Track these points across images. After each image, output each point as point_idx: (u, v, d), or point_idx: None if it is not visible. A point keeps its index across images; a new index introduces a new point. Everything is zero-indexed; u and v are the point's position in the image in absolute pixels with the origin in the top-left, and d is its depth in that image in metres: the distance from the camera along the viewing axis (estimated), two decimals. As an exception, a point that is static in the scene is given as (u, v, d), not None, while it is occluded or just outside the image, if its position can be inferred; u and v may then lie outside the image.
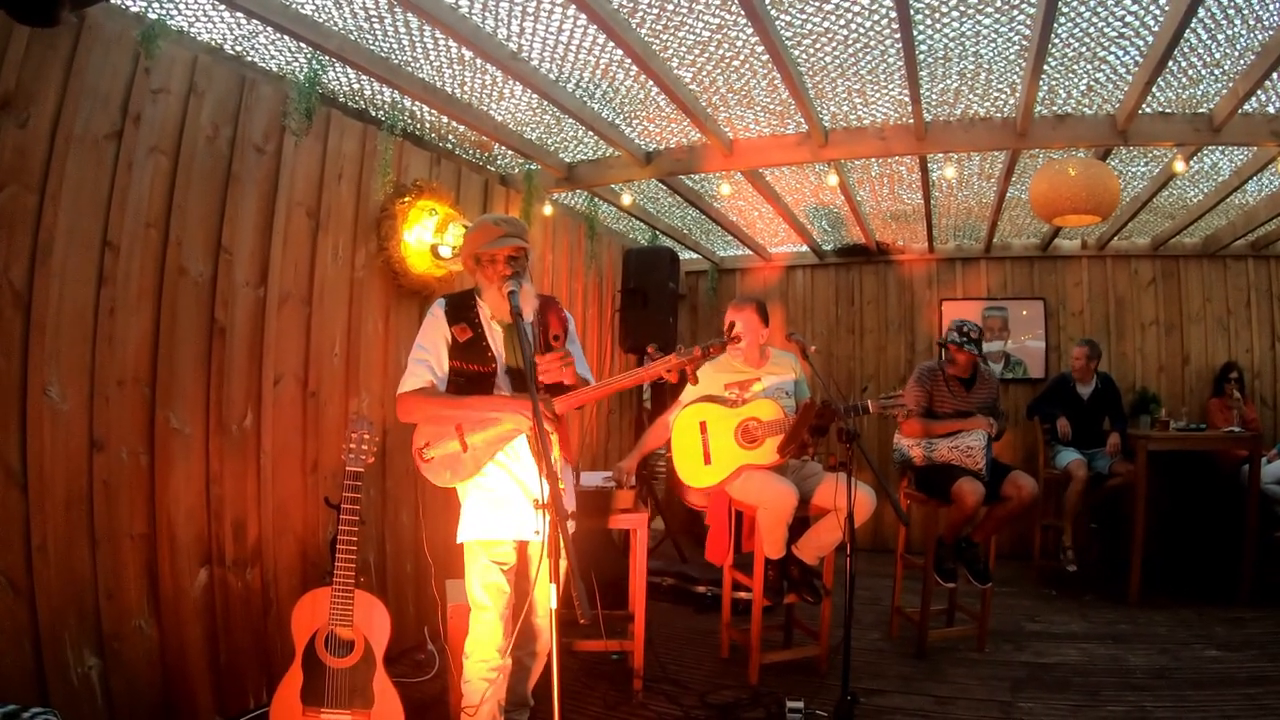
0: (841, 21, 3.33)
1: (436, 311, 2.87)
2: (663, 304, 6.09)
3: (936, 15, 3.24)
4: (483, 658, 2.77)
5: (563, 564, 2.14)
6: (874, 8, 3.20)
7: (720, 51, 3.64)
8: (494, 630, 2.77)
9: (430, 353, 2.80)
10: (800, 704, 3.39)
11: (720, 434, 3.88)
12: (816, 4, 3.19)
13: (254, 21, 3.14)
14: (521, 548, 2.89)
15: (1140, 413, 6.23)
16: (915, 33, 3.28)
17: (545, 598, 2.49)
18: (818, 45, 3.54)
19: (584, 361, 3.06)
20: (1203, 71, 3.67)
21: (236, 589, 3.27)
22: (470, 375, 2.81)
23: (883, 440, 6.56)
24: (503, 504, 2.78)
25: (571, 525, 2.81)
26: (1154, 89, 3.75)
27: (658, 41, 3.53)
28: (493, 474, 2.80)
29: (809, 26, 3.38)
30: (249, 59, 3.51)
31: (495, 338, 2.86)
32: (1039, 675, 3.95)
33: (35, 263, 2.57)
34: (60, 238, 2.64)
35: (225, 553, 3.23)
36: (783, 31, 3.40)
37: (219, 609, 3.18)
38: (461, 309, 2.87)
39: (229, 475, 3.27)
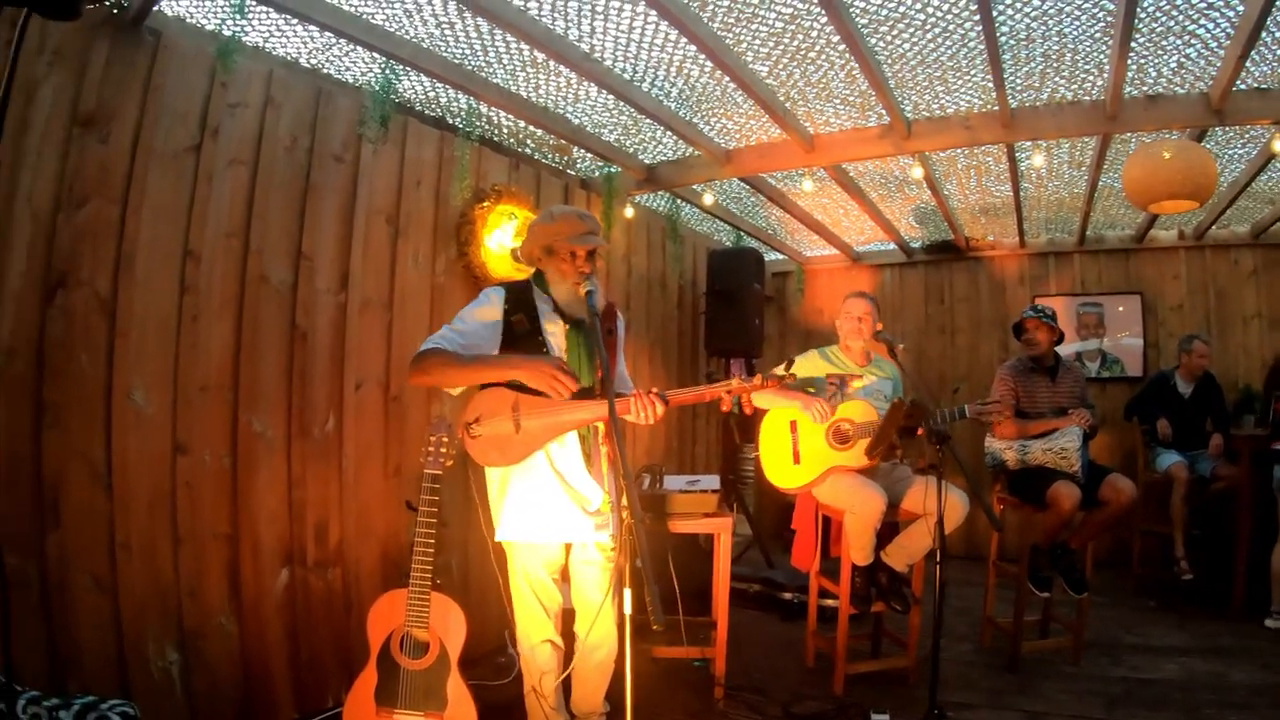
0: (919, 6, 3.18)
1: (493, 297, 2.75)
2: (749, 306, 5.95)
3: (1017, -8, 3.08)
4: (539, 641, 2.81)
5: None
6: (951, -11, 3.05)
7: (795, 43, 3.51)
8: (544, 623, 2.80)
9: (465, 324, 2.69)
10: (886, 716, 3.28)
11: (811, 434, 3.78)
12: (891, -12, 3.06)
13: (328, 34, 3.17)
14: (567, 549, 2.85)
15: (1244, 412, 5.71)
16: (995, 13, 3.12)
17: (609, 603, 2.65)
18: (895, 32, 3.38)
19: (623, 362, 3.04)
20: (1300, 42, 3.35)
21: (318, 589, 3.30)
22: None
23: (975, 442, 6.26)
24: (546, 503, 2.71)
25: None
26: (1248, 63, 3.47)
27: (730, 35, 3.42)
28: (537, 468, 2.71)
29: (885, 13, 3.23)
30: (324, 71, 3.55)
31: (552, 333, 2.75)
32: (1136, 691, 3.70)
33: (119, 272, 2.65)
34: (143, 248, 2.71)
35: (307, 554, 3.27)
36: (858, 19, 3.25)
37: (300, 609, 3.22)
38: (520, 300, 2.75)
39: (311, 478, 3.31)
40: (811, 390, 3.80)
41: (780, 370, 2.86)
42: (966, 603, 5.01)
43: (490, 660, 3.95)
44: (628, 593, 2.13)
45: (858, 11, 3.21)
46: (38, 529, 2.43)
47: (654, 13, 3.15)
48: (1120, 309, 6.66)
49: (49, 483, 2.47)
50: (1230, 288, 6.37)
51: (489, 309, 2.73)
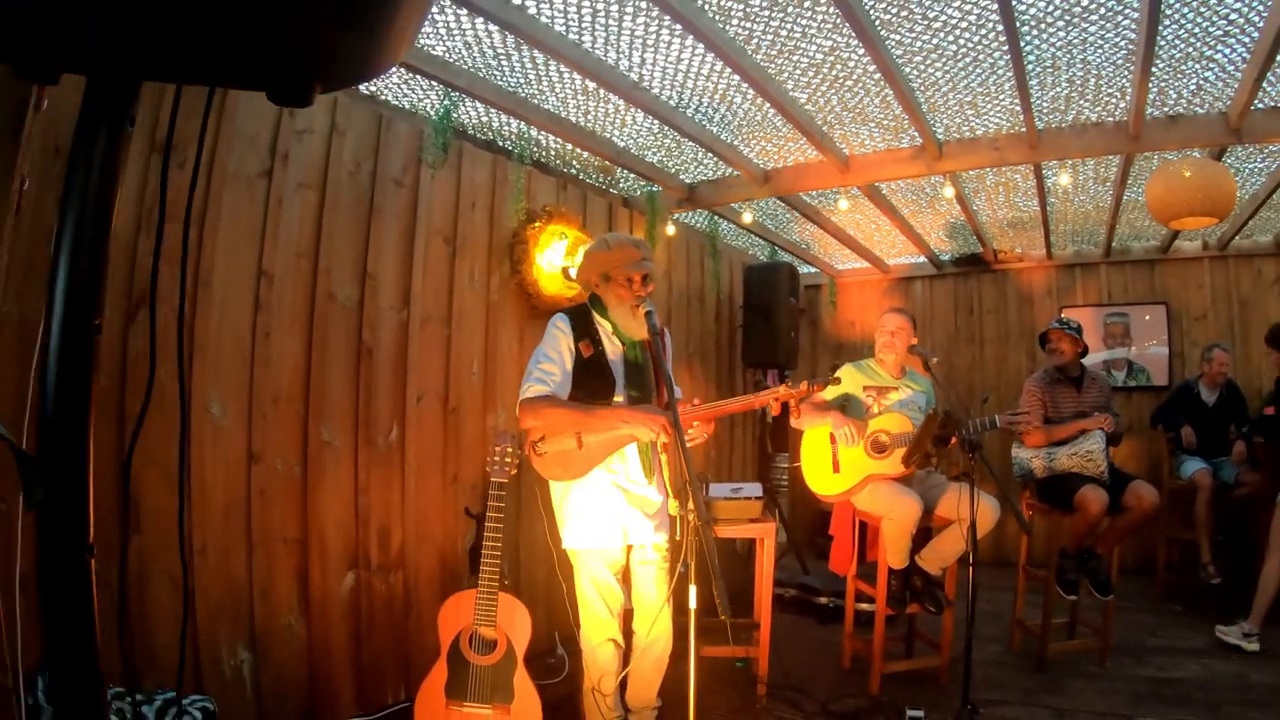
0: (950, 38, 3.17)
1: (561, 325, 2.77)
2: (784, 319, 5.87)
3: (1042, 25, 3.05)
4: (602, 641, 2.78)
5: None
6: (981, 22, 3.03)
7: (834, 72, 3.51)
8: (608, 623, 2.77)
9: (556, 362, 2.70)
10: (920, 713, 3.24)
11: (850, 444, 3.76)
12: (925, 23, 3.05)
13: (389, 63, 3.17)
14: (627, 550, 2.84)
15: (1267, 419, 5.52)
16: (1023, 43, 3.11)
17: (664, 600, 2.70)
18: (928, 62, 3.38)
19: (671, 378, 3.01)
20: (1313, 64, 3.28)
21: (380, 592, 3.29)
22: (589, 390, 2.71)
23: (1005, 450, 6.14)
24: (607, 509, 2.72)
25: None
26: (1264, 85, 3.43)
27: (773, 66, 3.42)
28: (597, 477, 2.72)
29: (919, 44, 3.23)
30: (382, 97, 3.56)
31: (614, 356, 2.77)
32: (1160, 690, 3.67)
33: (196, 291, 2.67)
34: (218, 269, 2.73)
35: (371, 558, 3.26)
36: (893, 50, 3.25)
37: (363, 610, 3.21)
38: (584, 325, 2.78)
39: (375, 486, 3.31)
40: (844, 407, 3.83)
41: (825, 380, 2.90)
42: (996, 606, 4.92)
43: (542, 660, 3.92)
44: (693, 590, 2.13)
45: (893, 44, 3.21)
46: (119, 535, 2.44)
47: (701, 46, 3.16)
48: (1146, 318, 6.49)
49: (130, 491, 2.48)
50: (1253, 297, 6.18)
51: (565, 339, 2.75)
